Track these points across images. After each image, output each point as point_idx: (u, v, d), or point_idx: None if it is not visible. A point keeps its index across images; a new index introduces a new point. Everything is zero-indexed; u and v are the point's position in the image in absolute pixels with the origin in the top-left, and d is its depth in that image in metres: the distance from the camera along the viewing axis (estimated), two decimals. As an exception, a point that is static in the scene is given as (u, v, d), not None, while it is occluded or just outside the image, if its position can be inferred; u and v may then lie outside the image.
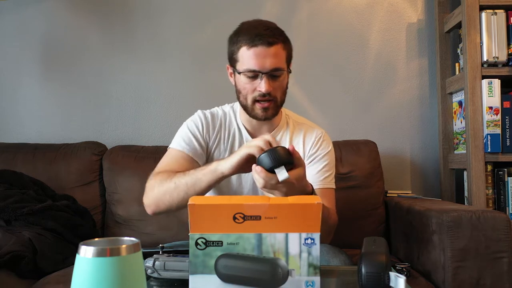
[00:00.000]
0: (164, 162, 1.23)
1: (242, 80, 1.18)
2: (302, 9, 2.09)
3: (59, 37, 2.10)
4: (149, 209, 1.18)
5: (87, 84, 2.10)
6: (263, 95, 1.16)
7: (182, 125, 1.29)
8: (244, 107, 1.21)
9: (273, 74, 1.16)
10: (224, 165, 1.02)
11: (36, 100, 2.10)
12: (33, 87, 2.10)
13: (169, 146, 1.27)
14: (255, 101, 1.17)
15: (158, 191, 1.13)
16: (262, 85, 1.14)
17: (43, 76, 2.10)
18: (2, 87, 2.11)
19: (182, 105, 2.08)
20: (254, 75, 1.15)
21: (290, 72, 1.24)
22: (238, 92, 1.22)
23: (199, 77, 2.08)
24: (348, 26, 2.09)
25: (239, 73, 1.17)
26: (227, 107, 1.33)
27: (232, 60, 1.21)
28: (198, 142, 1.23)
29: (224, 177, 1.04)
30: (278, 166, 0.93)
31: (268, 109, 1.18)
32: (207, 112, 1.30)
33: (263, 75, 1.14)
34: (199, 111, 1.30)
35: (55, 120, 2.09)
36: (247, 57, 1.15)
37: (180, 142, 1.24)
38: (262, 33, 1.14)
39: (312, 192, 1.05)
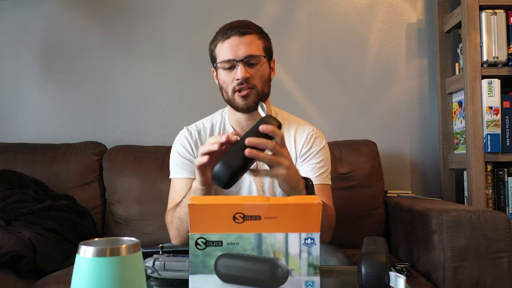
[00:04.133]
0: (172, 196, 1.24)
1: (221, 75, 1.20)
2: (302, 9, 2.09)
3: (59, 37, 2.10)
4: (182, 245, 1.20)
5: (87, 84, 2.10)
6: (241, 83, 1.15)
7: (172, 151, 1.29)
8: (228, 102, 1.22)
9: (249, 62, 1.17)
10: (196, 183, 1.02)
11: (36, 100, 2.10)
12: (33, 87, 2.10)
13: (170, 177, 1.28)
14: (234, 91, 1.17)
15: (174, 229, 1.16)
16: (238, 73, 1.15)
17: (43, 76, 2.10)
18: (2, 87, 2.11)
19: (182, 105, 2.08)
20: (230, 65, 1.17)
21: (269, 59, 1.23)
22: (221, 90, 1.23)
23: (199, 77, 2.08)
24: (348, 26, 2.09)
25: (217, 68, 1.20)
26: (216, 116, 1.33)
27: (212, 60, 1.24)
28: (192, 162, 1.23)
29: (207, 192, 1.03)
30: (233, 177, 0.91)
31: (248, 96, 1.16)
32: (193, 129, 1.29)
33: (238, 63, 1.15)
34: (184, 130, 1.29)
35: (55, 120, 2.09)
36: (223, 49, 1.18)
37: (177, 170, 1.25)
38: (235, 25, 1.19)
39: (307, 187, 1.05)
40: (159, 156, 1.82)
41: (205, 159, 0.95)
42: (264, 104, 1.09)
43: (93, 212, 1.79)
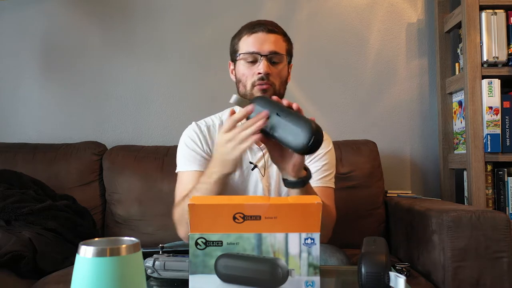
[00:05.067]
0: (179, 190, 1.21)
1: (241, 67, 1.20)
2: (302, 9, 2.09)
3: (59, 37, 2.10)
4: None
5: (87, 84, 2.10)
6: (261, 78, 1.16)
7: (180, 144, 1.26)
8: (244, 96, 1.21)
9: (272, 60, 1.18)
10: (227, 169, 1.00)
11: (36, 100, 2.10)
12: (33, 87, 2.10)
13: (177, 170, 1.26)
14: (253, 86, 1.18)
15: (184, 224, 1.13)
16: (260, 67, 1.16)
17: (43, 76, 2.10)
18: (2, 87, 2.11)
19: (182, 105, 2.08)
20: (253, 58, 1.18)
21: (290, 63, 1.26)
22: (238, 83, 1.23)
23: (199, 77, 2.08)
24: (348, 26, 2.09)
25: (239, 59, 1.20)
26: (225, 113, 1.32)
27: (233, 53, 1.24)
28: (201, 156, 1.22)
29: (225, 179, 1.03)
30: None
31: (267, 91, 1.17)
32: (202, 124, 1.28)
33: (262, 58, 1.16)
34: (193, 124, 1.28)
35: (55, 120, 2.09)
36: (247, 42, 1.19)
37: (185, 162, 1.23)
38: (263, 22, 1.21)
39: (307, 175, 1.03)
40: (159, 156, 1.82)
41: (256, 137, 0.92)
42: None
43: (93, 212, 1.79)
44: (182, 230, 1.15)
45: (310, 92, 2.07)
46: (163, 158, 1.80)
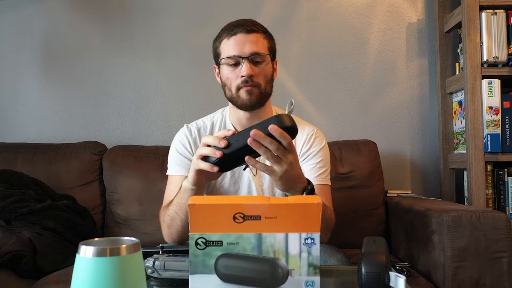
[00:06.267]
0: (167, 193, 1.24)
1: (225, 71, 1.19)
2: (302, 9, 2.09)
3: (59, 37, 2.10)
4: (173, 243, 1.20)
5: (87, 84, 2.10)
6: (245, 80, 1.15)
7: (171, 148, 1.29)
8: (231, 99, 1.21)
9: (254, 60, 1.17)
10: (187, 183, 1.02)
11: (36, 100, 2.10)
12: (33, 87, 2.10)
13: (167, 173, 1.29)
14: (239, 88, 1.17)
15: (165, 227, 1.17)
16: (243, 69, 1.15)
17: (43, 76, 2.10)
18: (2, 87, 2.11)
19: (182, 105, 2.08)
20: (235, 62, 1.17)
21: (273, 60, 1.24)
22: (223, 86, 1.23)
23: (199, 76, 2.08)
24: (348, 26, 2.09)
25: (221, 64, 1.19)
26: (217, 114, 1.33)
27: (216, 57, 1.23)
28: (189, 160, 1.23)
29: (197, 191, 1.02)
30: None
31: (252, 92, 1.16)
32: (193, 127, 1.29)
33: (243, 60, 1.15)
34: (184, 127, 1.29)
35: (55, 120, 2.09)
36: (228, 45, 1.18)
37: (175, 167, 1.26)
38: (241, 23, 1.19)
39: (307, 186, 1.03)
40: (159, 156, 1.82)
41: (205, 166, 0.93)
42: (292, 102, 1.04)
43: (93, 212, 1.79)
44: (163, 232, 1.19)
45: (310, 92, 2.07)
46: (163, 158, 1.80)
